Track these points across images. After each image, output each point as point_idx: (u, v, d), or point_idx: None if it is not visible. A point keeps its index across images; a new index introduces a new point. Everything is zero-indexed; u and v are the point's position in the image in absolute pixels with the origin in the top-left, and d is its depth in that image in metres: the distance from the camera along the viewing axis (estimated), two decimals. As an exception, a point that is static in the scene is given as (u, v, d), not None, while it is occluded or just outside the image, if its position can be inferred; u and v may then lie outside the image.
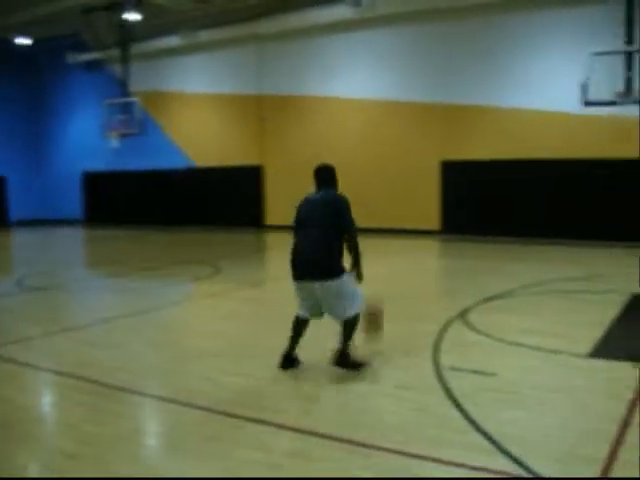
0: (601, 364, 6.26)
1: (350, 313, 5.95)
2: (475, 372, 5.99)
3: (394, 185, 17.99)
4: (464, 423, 4.82)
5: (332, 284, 5.84)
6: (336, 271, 5.88)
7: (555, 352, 6.62)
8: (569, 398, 5.40)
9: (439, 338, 7.18)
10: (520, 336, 7.17)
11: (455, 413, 5.02)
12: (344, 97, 18.62)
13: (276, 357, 6.20)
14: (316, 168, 6.36)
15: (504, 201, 16.47)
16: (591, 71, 13.18)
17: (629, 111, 14.05)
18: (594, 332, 7.29)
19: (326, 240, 5.91)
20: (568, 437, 4.63)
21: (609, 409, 5.10)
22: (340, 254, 5.99)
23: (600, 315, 8.10)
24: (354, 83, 18.46)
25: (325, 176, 6.31)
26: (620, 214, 15.14)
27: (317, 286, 5.88)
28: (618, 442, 4.49)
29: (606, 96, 13.23)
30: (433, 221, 17.46)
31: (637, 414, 4.97)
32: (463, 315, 8.20)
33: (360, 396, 5.50)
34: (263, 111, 20.03)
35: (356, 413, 5.17)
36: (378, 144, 18.19)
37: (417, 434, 4.69)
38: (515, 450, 4.33)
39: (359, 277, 6.12)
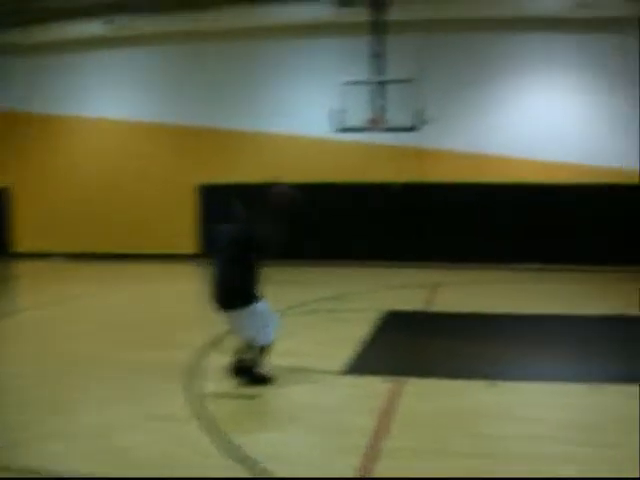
0: (354, 380, 6.45)
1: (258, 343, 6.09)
2: (232, 396, 5.88)
3: (150, 209, 17.49)
4: (221, 448, 4.68)
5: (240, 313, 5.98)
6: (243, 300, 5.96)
7: (309, 371, 6.72)
8: (323, 415, 5.47)
9: (195, 365, 6.98)
10: (276, 358, 7.17)
11: (211, 438, 4.86)
12: (97, 117, 17.79)
13: None
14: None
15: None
16: (344, 99, 13.85)
17: (380, 138, 15.01)
18: (348, 350, 7.52)
19: (233, 269, 6.01)
20: (322, 453, 4.67)
21: (361, 424, 5.23)
22: (250, 281, 6.03)
23: (353, 333, 8.39)
24: (109, 103, 17.76)
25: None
26: (368, 234, 16.10)
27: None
28: (369, 455, 4.59)
29: (358, 123, 13.97)
30: (190, 245, 17.24)
31: (387, 427, 5.13)
32: (219, 340, 8.05)
33: (111, 429, 5.13)
34: (11, 129, 18.54)
35: (107, 449, 4.80)
36: (133, 166, 17.63)
37: (173, 465, 4.46)
38: (272, 470, 4.27)
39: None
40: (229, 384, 6.26)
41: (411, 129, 14.10)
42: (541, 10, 14.70)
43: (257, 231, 6.13)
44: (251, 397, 5.85)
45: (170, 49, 17.20)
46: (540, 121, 15.55)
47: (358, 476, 4.25)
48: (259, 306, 6.08)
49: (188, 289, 13.47)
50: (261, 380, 6.23)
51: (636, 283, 13.01)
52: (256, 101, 16.69)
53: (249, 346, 6.19)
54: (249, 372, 6.22)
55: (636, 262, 14.80)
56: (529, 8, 14.68)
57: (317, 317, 9.74)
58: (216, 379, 6.46)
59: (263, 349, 6.19)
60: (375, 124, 14.00)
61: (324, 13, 15.24)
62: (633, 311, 9.95)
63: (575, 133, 15.49)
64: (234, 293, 6.05)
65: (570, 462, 4.49)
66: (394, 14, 14.62)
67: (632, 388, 6.14)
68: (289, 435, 5.03)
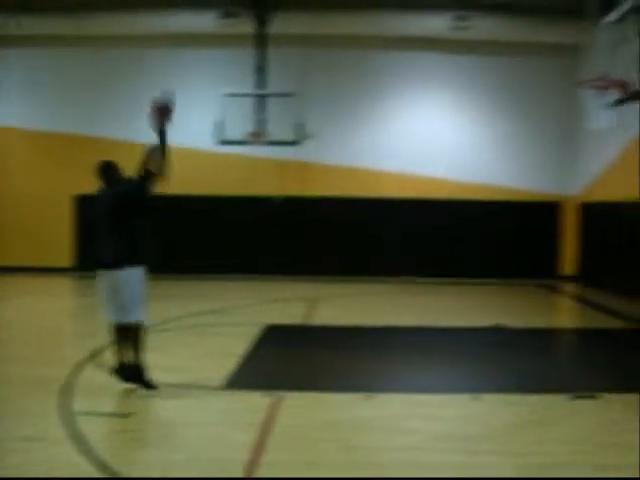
0: (233, 395, 6.40)
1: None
2: (108, 415, 5.70)
3: (22, 220, 16.72)
4: (96, 469, 4.52)
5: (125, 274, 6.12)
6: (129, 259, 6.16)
7: (187, 387, 6.62)
8: (201, 431, 5.40)
9: (69, 382, 6.72)
10: (155, 374, 7.02)
11: (86, 458, 4.68)
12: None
13: None
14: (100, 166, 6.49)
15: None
16: (225, 111, 13.79)
17: (263, 151, 15.05)
18: (227, 364, 7.47)
19: (119, 229, 6.22)
20: (200, 470, 4.59)
21: (240, 438, 5.19)
22: (135, 241, 6.25)
23: (232, 347, 8.34)
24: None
25: (109, 172, 6.49)
26: (249, 248, 16.11)
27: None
28: (251, 468, 4.58)
29: (240, 136, 13.95)
30: (66, 258, 16.61)
31: (266, 441, 5.14)
32: (96, 356, 7.81)
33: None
34: None
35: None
36: (9, 176, 16.80)
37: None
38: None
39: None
40: (104, 402, 6.08)
41: (293, 143, 14.26)
42: (422, 30, 15.26)
43: (131, 185, 6.34)
44: (126, 415, 5.69)
45: (50, 52, 16.55)
46: (419, 137, 16.12)
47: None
48: (142, 272, 6.24)
49: (64, 303, 13.02)
50: (150, 385, 6.30)
51: (509, 295, 13.70)
52: (136, 110, 16.26)
53: (125, 329, 6.31)
54: (138, 375, 6.33)
55: (510, 275, 15.57)
56: (410, 27, 15.23)
57: (195, 331, 9.61)
58: (91, 396, 6.24)
59: (140, 339, 6.29)
60: (256, 137, 14.04)
61: (208, 23, 15.16)
62: (508, 322, 10.44)
63: (453, 150, 16.16)
64: (120, 252, 6.20)
65: (445, 471, 4.64)
66: (277, 27, 14.78)
67: (508, 397, 6.44)
68: (166, 452, 4.93)
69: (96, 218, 6.37)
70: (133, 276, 6.21)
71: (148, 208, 6.45)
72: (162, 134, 6.27)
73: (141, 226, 6.41)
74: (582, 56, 15.68)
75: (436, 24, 15.06)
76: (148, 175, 6.21)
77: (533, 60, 16.09)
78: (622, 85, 8.45)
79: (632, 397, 6.49)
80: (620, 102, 8.73)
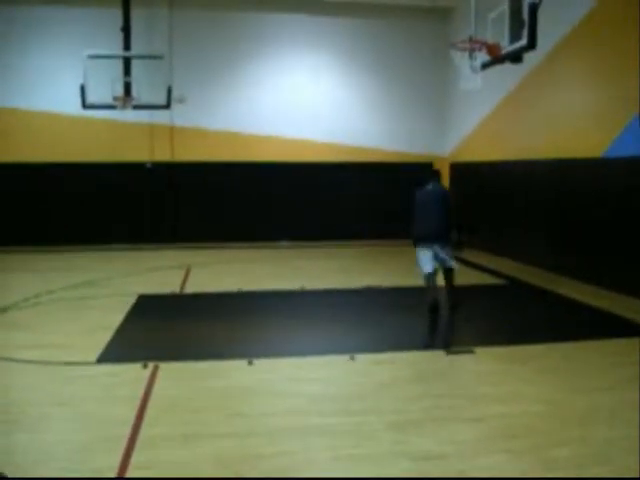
0: (110, 369, 6.21)
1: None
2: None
3: None
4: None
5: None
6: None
7: (62, 364, 6.35)
8: (75, 410, 5.20)
9: None
10: (23, 352, 6.70)
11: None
12: None
13: None
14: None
15: (8, 206, 15.35)
16: (90, 74, 13.13)
17: (130, 116, 14.52)
18: (102, 337, 7.23)
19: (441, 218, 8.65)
20: (75, 451, 4.43)
21: (119, 413, 5.05)
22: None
23: (105, 320, 8.09)
24: None
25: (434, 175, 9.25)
26: (122, 216, 15.63)
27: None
28: (131, 444, 4.45)
29: (107, 100, 13.35)
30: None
31: (145, 414, 5.01)
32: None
33: None
34: None
35: None
36: None
37: None
38: (19, 476, 3.98)
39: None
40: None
41: (162, 107, 13.86)
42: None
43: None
44: (-7, 396, 5.40)
45: None
46: (289, 100, 16.07)
47: (119, 470, 4.08)
48: None
49: None
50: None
51: (382, 256, 13.99)
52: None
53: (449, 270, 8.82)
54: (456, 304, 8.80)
55: (384, 237, 15.86)
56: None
57: (67, 305, 9.21)
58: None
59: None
60: (122, 101, 13.52)
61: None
62: (380, 282, 10.67)
63: (324, 113, 16.23)
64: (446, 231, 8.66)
65: (325, 433, 4.70)
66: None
67: (383, 356, 6.59)
68: (41, 435, 4.70)
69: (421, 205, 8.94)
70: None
71: None
72: None
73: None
74: (453, 18, 16.11)
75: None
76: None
77: (404, 22, 16.35)
78: (490, 47, 8.69)
79: (505, 350, 6.80)
80: (488, 64, 8.99)
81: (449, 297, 8.92)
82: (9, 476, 3.91)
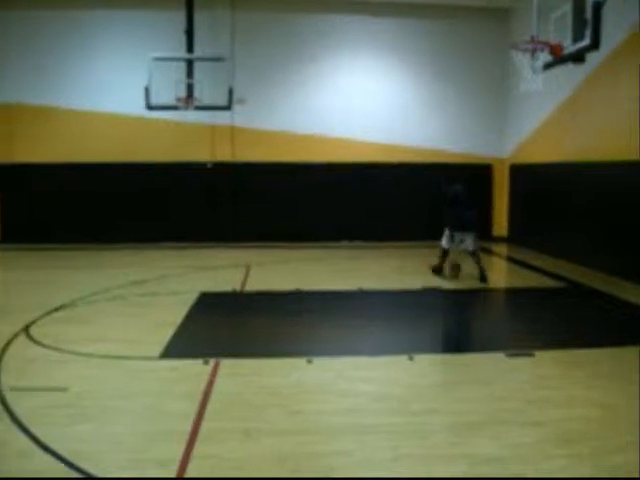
0: (172, 364, 6.35)
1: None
2: (42, 389, 5.58)
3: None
4: (31, 445, 4.42)
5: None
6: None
7: (126, 358, 6.54)
8: (140, 403, 5.35)
9: (0, 357, 6.54)
10: (89, 346, 6.91)
11: (20, 436, 4.58)
12: None
13: None
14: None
15: (65, 207, 15.86)
16: (154, 76, 13.41)
17: (191, 116, 14.79)
18: (165, 333, 7.39)
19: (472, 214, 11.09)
20: (139, 442, 4.57)
21: (181, 408, 5.17)
22: None
23: (167, 317, 8.25)
24: None
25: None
26: (183, 214, 15.93)
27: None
28: (193, 438, 4.56)
29: (170, 101, 13.64)
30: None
31: (206, 409, 5.12)
32: (27, 330, 7.60)
33: None
34: None
35: None
36: None
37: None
38: (86, 465, 4.12)
39: None
40: (37, 377, 5.94)
41: (223, 108, 14.07)
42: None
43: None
44: (61, 389, 5.58)
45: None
46: (350, 101, 16.12)
47: (181, 463, 4.19)
48: None
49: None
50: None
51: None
52: (70, 75, 15.71)
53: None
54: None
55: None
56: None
57: (129, 302, 9.44)
58: (22, 372, 6.10)
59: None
60: (185, 102, 13.77)
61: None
62: (441, 284, 10.65)
63: (384, 114, 16.21)
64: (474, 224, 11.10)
65: (383, 433, 4.72)
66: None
67: (442, 357, 6.58)
68: (105, 426, 4.85)
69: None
70: None
71: None
72: None
73: None
74: (513, 19, 15.92)
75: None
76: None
77: (464, 23, 16.22)
78: (553, 48, 8.56)
79: (565, 353, 6.71)
80: (550, 65, 8.86)
81: (480, 274, 10.99)
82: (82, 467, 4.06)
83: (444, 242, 11.32)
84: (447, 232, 11.25)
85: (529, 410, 5.18)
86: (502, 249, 15.54)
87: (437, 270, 11.58)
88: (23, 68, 15.55)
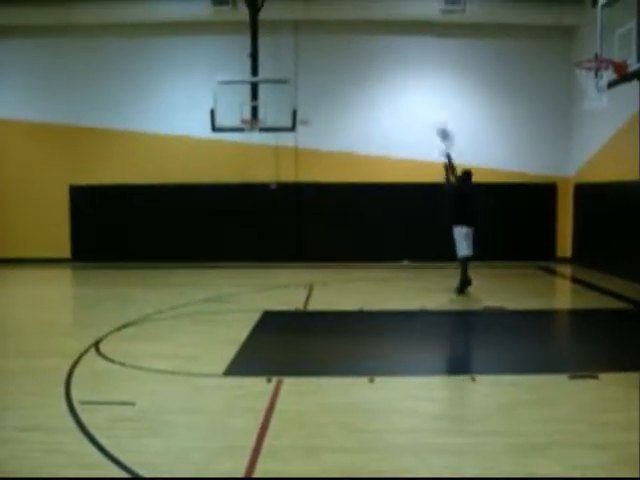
0: (236, 381, 6.46)
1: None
2: (110, 403, 5.74)
3: (20, 212, 16.65)
4: (100, 458, 4.56)
5: None
6: None
7: (191, 375, 6.67)
8: (204, 419, 5.46)
9: (71, 372, 6.76)
10: (156, 362, 7.09)
11: (90, 449, 4.73)
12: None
13: None
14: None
15: (133, 226, 16.36)
16: (219, 98, 13.77)
17: (256, 138, 15.09)
18: (228, 351, 7.52)
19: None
20: (203, 457, 4.65)
21: (245, 424, 5.25)
22: None
23: (231, 334, 8.39)
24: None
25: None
26: (245, 234, 16.16)
27: None
28: (255, 454, 4.63)
29: (235, 123, 13.96)
30: (64, 248, 16.59)
31: (269, 426, 5.19)
32: (96, 346, 7.84)
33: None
34: None
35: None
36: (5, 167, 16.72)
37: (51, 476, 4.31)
38: (155, 474, 4.23)
39: None
40: (106, 391, 6.13)
41: (287, 129, 14.28)
42: (413, 13, 15.35)
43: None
44: (129, 403, 5.74)
45: (39, 43, 16.41)
46: (414, 122, 16.06)
47: (242, 476, 4.27)
48: None
49: (63, 293, 13.03)
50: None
51: (506, 278, 13.71)
52: (130, 99, 16.25)
53: None
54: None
55: (507, 258, 15.60)
56: (401, 11, 15.27)
57: (194, 319, 9.64)
58: (92, 386, 6.30)
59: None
60: (250, 124, 14.04)
61: (199, 11, 15.17)
62: (505, 304, 10.52)
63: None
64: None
65: (444, 452, 4.71)
66: (269, 14, 14.77)
67: (505, 378, 6.50)
68: (170, 440, 4.98)
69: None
70: None
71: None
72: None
73: None
74: (577, 37, 15.70)
75: (428, 7, 15.07)
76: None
77: (528, 42, 16.08)
78: (617, 66, 8.45)
79: (630, 376, 6.56)
80: (615, 83, 8.74)
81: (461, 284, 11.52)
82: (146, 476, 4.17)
83: (465, 249, 11.24)
84: (464, 232, 11.19)
85: (592, 433, 5.08)
86: (566, 269, 15.25)
87: (465, 284, 11.45)
88: (108, 94, 16.27)
